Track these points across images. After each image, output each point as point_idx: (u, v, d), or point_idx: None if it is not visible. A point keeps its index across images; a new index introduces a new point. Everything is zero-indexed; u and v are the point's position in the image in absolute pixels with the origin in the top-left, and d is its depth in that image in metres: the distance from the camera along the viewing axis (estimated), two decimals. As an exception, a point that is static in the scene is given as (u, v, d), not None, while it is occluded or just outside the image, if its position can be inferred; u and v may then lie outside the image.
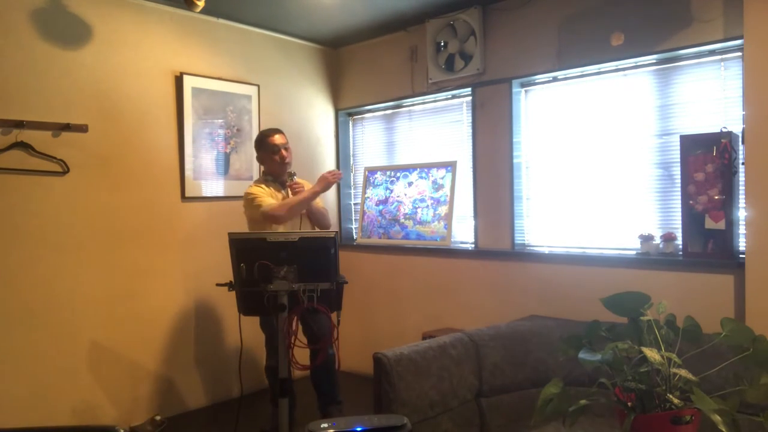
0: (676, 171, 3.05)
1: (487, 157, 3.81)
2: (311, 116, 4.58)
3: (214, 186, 3.91)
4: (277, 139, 3.30)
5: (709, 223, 2.87)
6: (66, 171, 3.21)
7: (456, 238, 4.04)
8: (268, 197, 3.20)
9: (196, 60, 3.81)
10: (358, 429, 1.59)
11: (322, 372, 3.23)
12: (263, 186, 3.30)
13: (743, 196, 2.73)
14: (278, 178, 3.35)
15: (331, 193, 4.72)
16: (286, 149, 3.31)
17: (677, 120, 3.12)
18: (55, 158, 3.17)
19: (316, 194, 3.23)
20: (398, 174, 4.37)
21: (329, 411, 3.30)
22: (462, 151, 4.03)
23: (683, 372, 1.50)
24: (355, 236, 4.66)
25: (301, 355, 2.65)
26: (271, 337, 3.28)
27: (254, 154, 4.09)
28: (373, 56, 4.50)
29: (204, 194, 3.86)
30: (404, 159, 4.43)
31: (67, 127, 3.19)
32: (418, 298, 4.15)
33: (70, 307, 3.23)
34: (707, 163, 2.87)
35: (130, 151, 3.50)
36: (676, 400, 1.49)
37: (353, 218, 4.80)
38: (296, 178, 3.33)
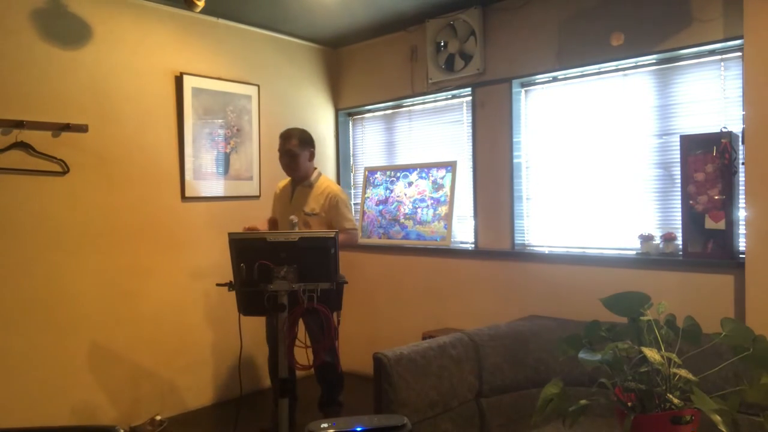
0: (676, 171, 3.05)
1: (487, 157, 3.81)
2: (311, 116, 4.58)
3: (214, 186, 3.91)
4: (281, 144, 3.32)
5: (709, 223, 2.86)
6: (66, 171, 3.21)
7: (456, 238, 4.04)
8: (275, 207, 3.55)
9: (196, 60, 3.81)
10: (358, 429, 1.59)
11: (323, 372, 3.24)
12: (279, 187, 3.54)
13: (743, 196, 2.73)
14: (293, 178, 3.41)
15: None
16: (291, 156, 3.27)
17: (677, 120, 3.11)
18: (55, 158, 3.17)
19: None
20: (398, 174, 4.37)
21: (328, 411, 3.30)
22: (462, 151, 4.03)
23: (683, 372, 1.50)
24: (355, 236, 4.66)
25: (301, 354, 2.65)
26: (269, 334, 3.31)
27: (254, 153, 4.13)
28: (373, 56, 4.50)
29: (204, 194, 3.86)
30: (404, 159, 4.43)
31: (67, 127, 3.19)
32: (418, 298, 4.15)
33: (69, 307, 3.23)
34: (707, 163, 2.87)
35: (130, 151, 3.50)
36: (676, 400, 1.49)
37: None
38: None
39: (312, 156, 3.38)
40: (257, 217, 3.58)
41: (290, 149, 3.27)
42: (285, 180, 3.51)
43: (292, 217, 3.00)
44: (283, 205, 3.40)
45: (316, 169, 3.41)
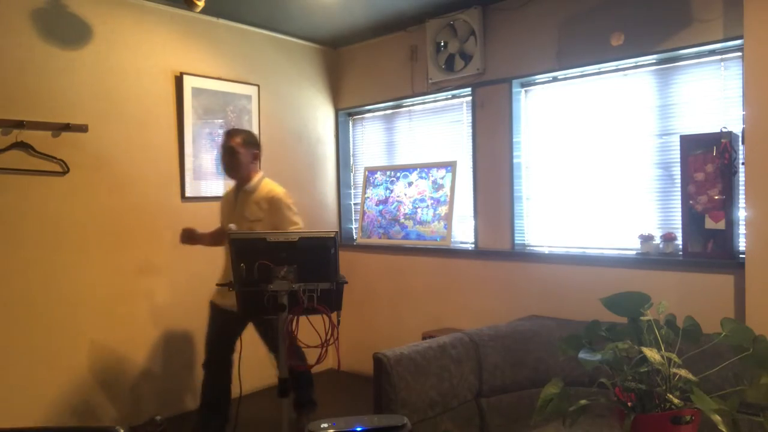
0: (676, 171, 3.05)
1: (487, 157, 3.81)
2: (311, 116, 4.57)
3: (214, 186, 3.91)
4: (222, 140, 3.11)
5: (709, 223, 2.86)
6: (66, 171, 3.21)
7: (456, 238, 4.04)
8: (222, 214, 3.31)
9: (196, 60, 3.81)
10: (358, 429, 1.59)
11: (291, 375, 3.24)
12: (225, 193, 3.35)
13: (743, 196, 2.73)
14: (234, 180, 3.20)
15: (332, 193, 4.73)
16: (231, 153, 3.04)
17: (677, 120, 3.11)
18: (55, 158, 3.17)
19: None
20: (398, 174, 4.37)
21: (302, 411, 3.26)
22: (462, 151, 4.03)
23: (683, 372, 1.50)
24: (355, 236, 4.66)
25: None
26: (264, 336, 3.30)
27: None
28: (373, 56, 4.50)
29: (204, 194, 3.86)
30: (404, 159, 4.43)
31: (67, 127, 3.19)
32: (418, 298, 4.15)
33: (70, 307, 3.23)
34: (707, 163, 2.87)
35: (130, 151, 3.50)
36: (676, 400, 1.49)
37: (353, 218, 4.80)
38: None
39: (255, 158, 3.14)
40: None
41: (231, 146, 3.04)
42: (232, 186, 3.33)
43: (231, 225, 2.90)
44: (228, 212, 3.21)
45: (259, 172, 3.17)
